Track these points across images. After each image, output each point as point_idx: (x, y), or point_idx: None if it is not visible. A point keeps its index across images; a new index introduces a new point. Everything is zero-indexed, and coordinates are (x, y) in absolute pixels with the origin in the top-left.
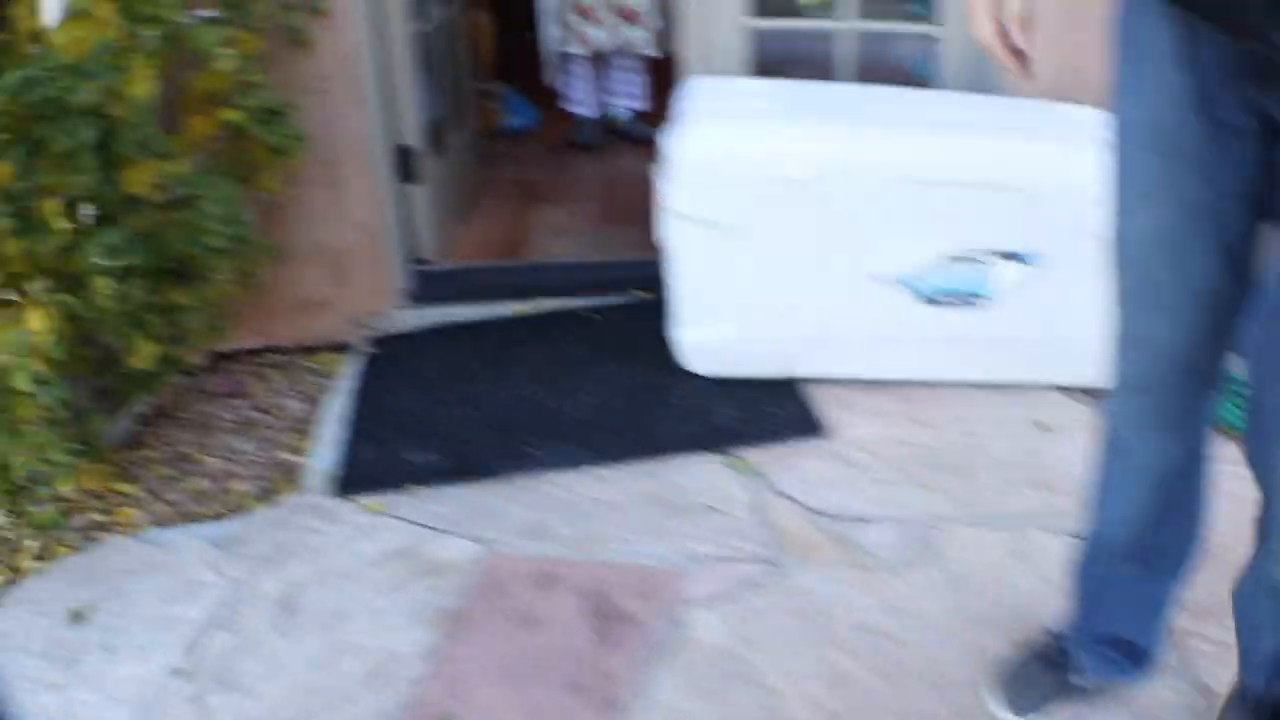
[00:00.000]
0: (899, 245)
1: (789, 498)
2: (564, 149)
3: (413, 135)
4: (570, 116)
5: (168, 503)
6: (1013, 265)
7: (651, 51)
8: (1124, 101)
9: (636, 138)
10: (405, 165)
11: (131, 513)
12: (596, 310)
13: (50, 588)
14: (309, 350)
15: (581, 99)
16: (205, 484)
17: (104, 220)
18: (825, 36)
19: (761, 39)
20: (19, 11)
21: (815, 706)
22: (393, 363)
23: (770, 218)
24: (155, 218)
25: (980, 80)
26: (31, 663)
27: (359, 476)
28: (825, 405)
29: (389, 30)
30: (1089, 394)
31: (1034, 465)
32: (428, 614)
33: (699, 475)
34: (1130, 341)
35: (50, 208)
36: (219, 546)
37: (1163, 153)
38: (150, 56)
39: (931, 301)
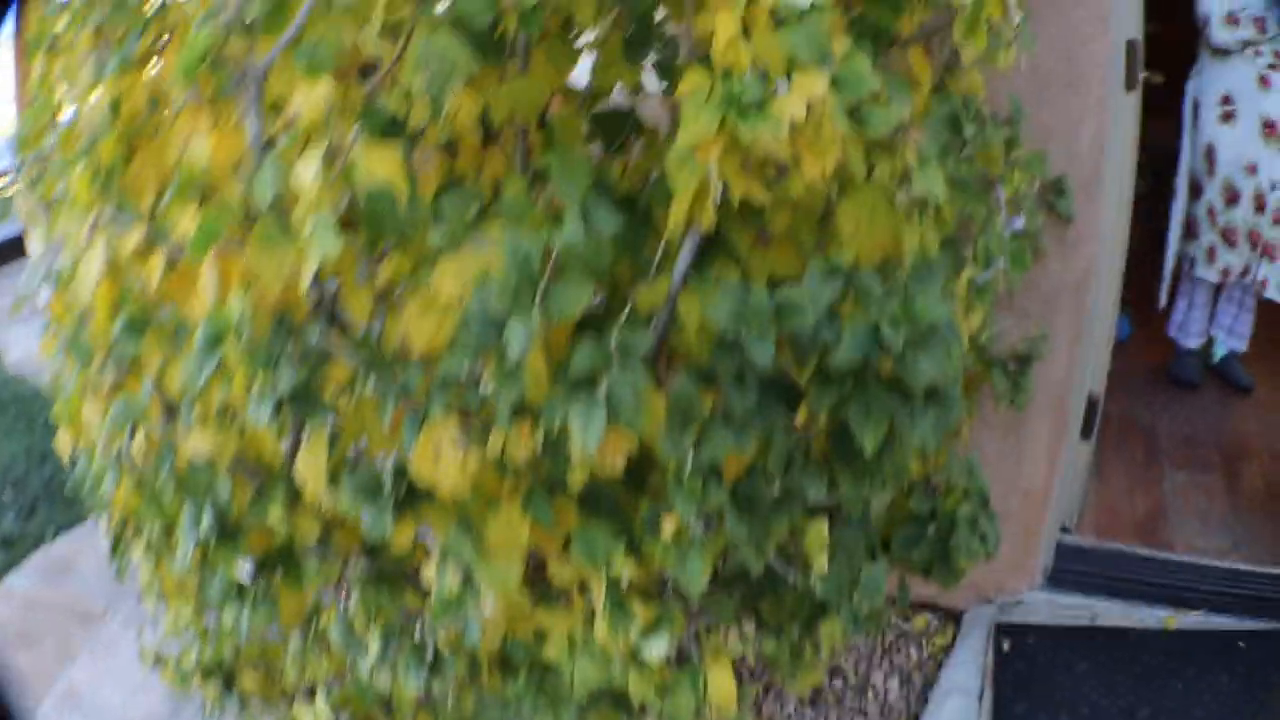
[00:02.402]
0: None
1: None
2: (1164, 381)
3: (1100, 381)
4: (1166, 340)
5: None
6: None
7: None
8: None
9: (1232, 381)
10: (1089, 418)
11: None
12: (1243, 636)
13: None
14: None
15: (1193, 329)
16: None
17: None
18: None
19: None
20: None
21: None
22: (1031, 672)
23: None
24: None
25: None
26: None
27: None
28: None
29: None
30: None
31: None
32: None
33: None
34: None
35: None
36: None
37: None
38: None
39: None
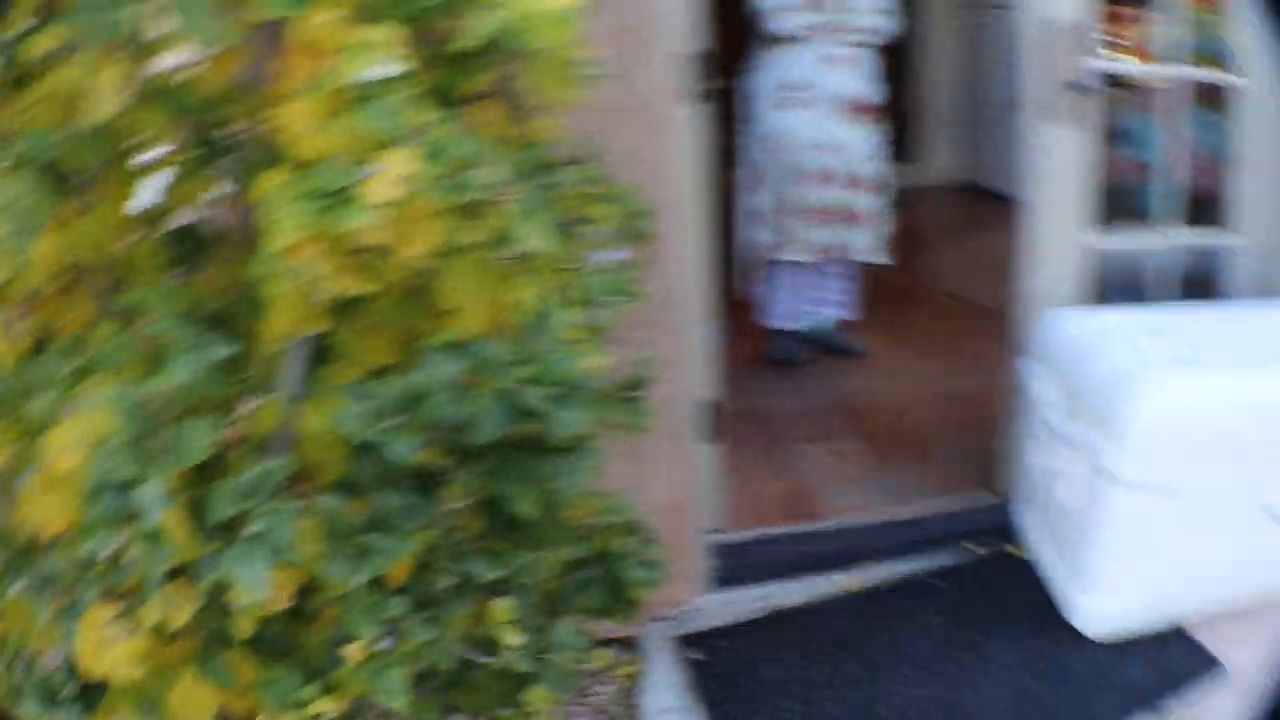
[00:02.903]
0: None
1: None
2: (764, 367)
3: (710, 385)
4: (760, 330)
5: None
6: None
7: (877, 258)
8: None
9: (839, 349)
10: (707, 422)
11: None
12: (934, 574)
13: None
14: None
15: (784, 311)
16: None
17: None
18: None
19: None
20: None
21: None
22: (731, 672)
23: (1202, 474)
24: None
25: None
26: None
27: None
28: (1210, 643)
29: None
30: None
31: None
32: None
33: None
34: None
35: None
36: None
37: None
38: None
39: None
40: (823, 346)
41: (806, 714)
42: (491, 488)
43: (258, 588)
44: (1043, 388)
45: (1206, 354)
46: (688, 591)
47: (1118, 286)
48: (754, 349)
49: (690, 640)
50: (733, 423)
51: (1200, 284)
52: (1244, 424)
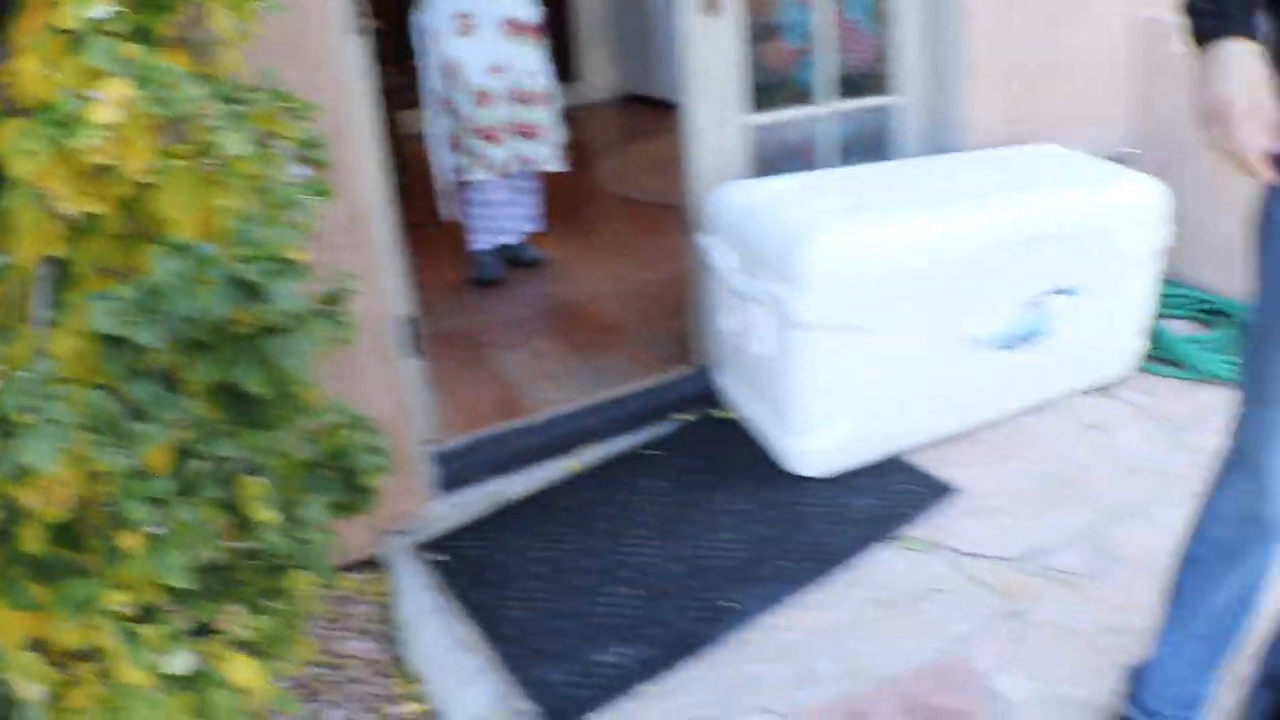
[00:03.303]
0: (985, 308)
1: (972, 555)
2: (466, 288)
3: (408, 302)
4: (461, 252)
5: None
6: (1063, 299)
7: (556, 166)
8: None
9: (528, 261)
10: (410, 337)
11: None
12: (650, 446)
13: None
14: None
15: (481, 231)
16: None
17: None
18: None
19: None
20: None
21: None
22: (473, 565)
23: (884, 312)
24: None
25: (934, 139)
26: None
27: (566, 700)
28: (933, 468)
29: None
30: (1105, 389)
31: (1110, 459)
32: None
33: (890, 567)
34: None
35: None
36: None
37: None
38: None
39: (1005, 349)
40: (514, 260)
41: (553, 589)
42: (227, 374)
43: (48, 463)
44: (723, 256)
45: (873, 202)
46: (418, 501)
47: (788, 159)
48: (455, 272)
49: (430, 546)
50: (438, 340)
51: (873, 148)
52: (917, 261)
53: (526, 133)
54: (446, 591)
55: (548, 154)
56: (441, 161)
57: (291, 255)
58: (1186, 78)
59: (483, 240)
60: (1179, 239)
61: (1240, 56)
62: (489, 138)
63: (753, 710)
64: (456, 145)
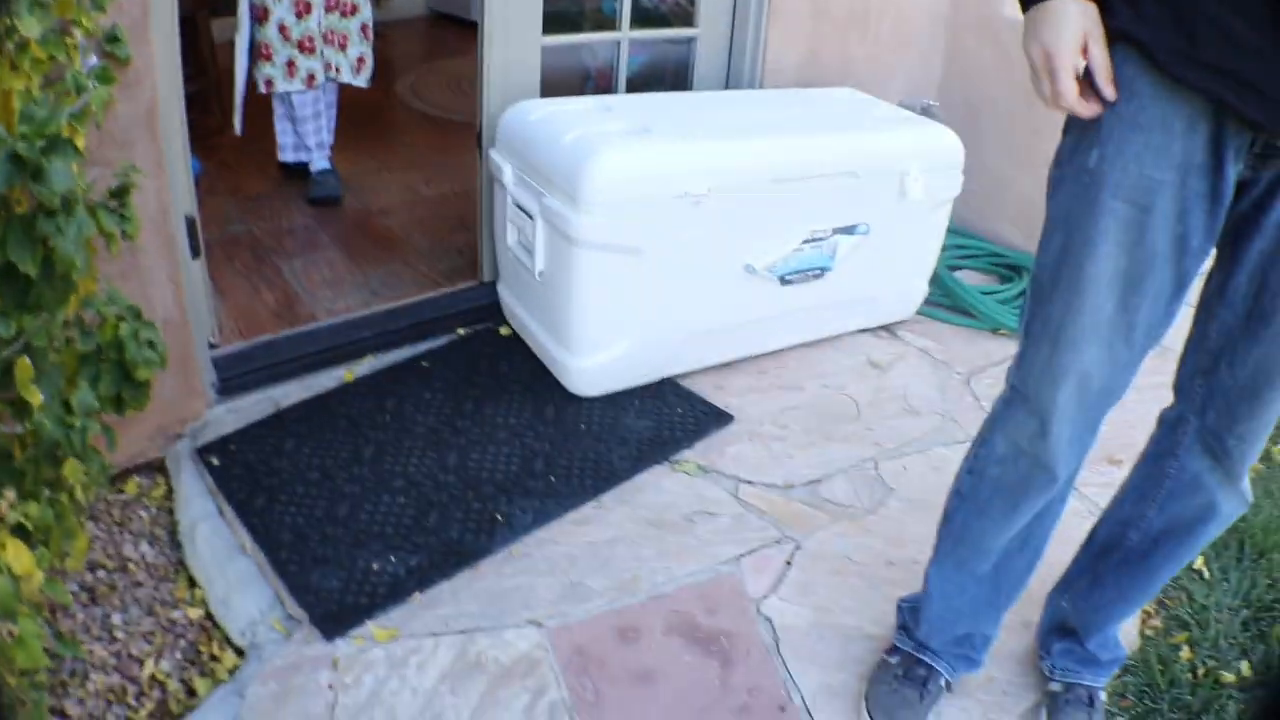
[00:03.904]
0: (767, 240)
1: (749, 482)
2: (252, 200)
3: (192, 203)
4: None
5: None
6: (848, 238)
7: (358, 80)
8: (1105, 153)
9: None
10: (193, 238)
11: None
12: (428, 357)
13: None
14: (113, 480)
15: (290, 144)
16: (110, 681)
17: None
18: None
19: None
20: None
21: None
22: (250, 470)
23: (665, 235)
24: None
25: (733, 76)
26: None
27: (336, 607)
28: (711, 395)
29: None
30: (888, 330)
31: (892, 398)
32: (547, 717)
33: (664, 489)
34: (1063, 371)
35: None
36: None
37: (1143, 207)
38: None
39: (786, 281)
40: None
41: (326, 495)
42: (2, 253)
43: None
44: (510, 172)
45: (661, 127)
46: (197, 406)
47: (586, 84)
48: (243, 180)
49: (208, 450)
50: (223, 245)
51: (673, 80)
52: (699, 186)
53: (334, 43)
54: (223, 497)
55: (352, 67)
56: (242, 72)
57: (71, 137)
58: (992, 34)
59: (291, 154)
60: (979, 195)
61: (1069, 10)
62: (304, 48)
63: (522, 622)
64: (269, 56)
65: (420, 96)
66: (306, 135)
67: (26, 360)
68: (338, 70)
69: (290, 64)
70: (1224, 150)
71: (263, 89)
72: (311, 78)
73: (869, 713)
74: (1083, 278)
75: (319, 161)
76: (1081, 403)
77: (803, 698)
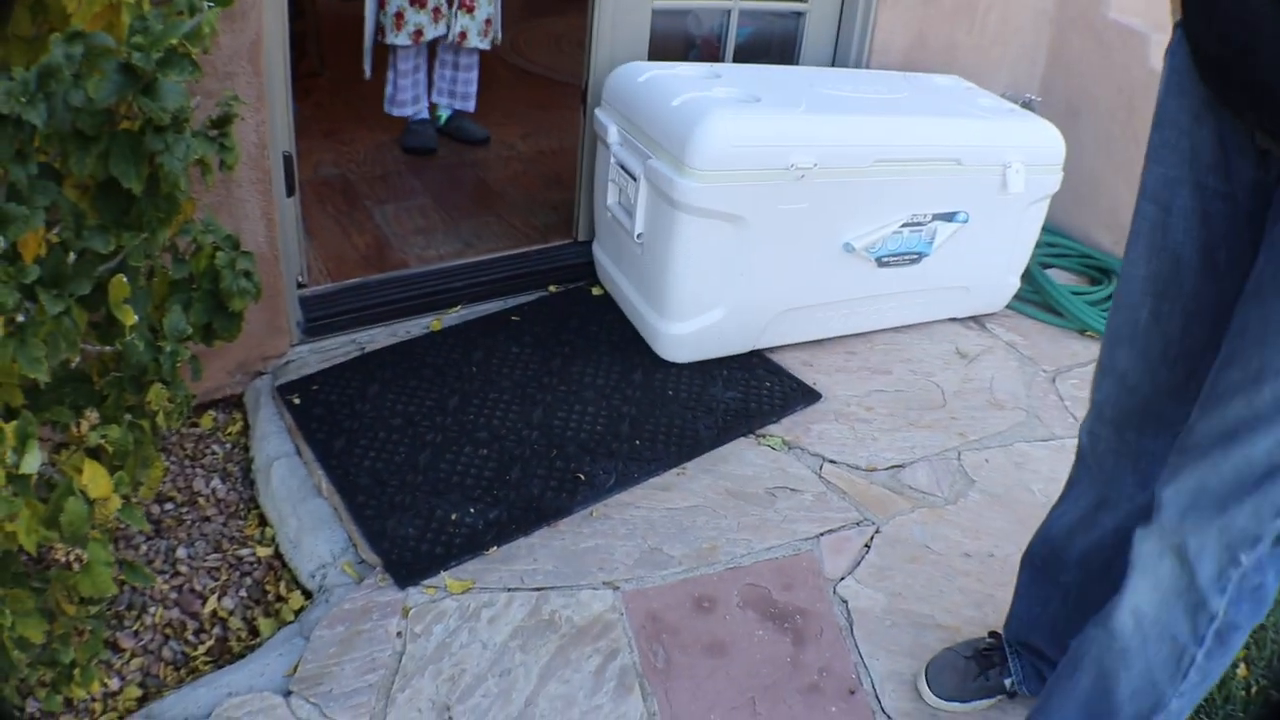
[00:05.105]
0: (867, 220)
1: (833, 462)
2: (352, 141)
3: (290, 140)
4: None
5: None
6: (947, 225)
7: (482, 44)
8: (1146, 154)
9: (466, 138)
10: (289, 175)
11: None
12: (517, 312)
13: None
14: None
15: (403, 99)
16: (169, 615)
17: None
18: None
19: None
20: None
21: (982, 626)
22: (332, 411)
23: (768, 206)
24: None
25: (840, 54)
26: None
27: (411, 555)
28: (800, 371)
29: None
30: (977, 321)
31: (978, 389)
32: (617, 681)
33: (748, 461)
34: (1108, 366)
35: (118, 289)
36: (301, 696)
37: (1165, 207)
38: None
39: (883, 263)
40: (448, 135)
41: (408, 442)
42: (106, 168)
43: None
44: (616, 132)
45: (768, 98)
46: (281, 344)
47: (693, 51)
48: (342, 126)
49: (289, 389)
50: (316, 187)
51: (780, 53)
52: (805, 160)
53: (465, 5)
54: (301, 437)
55: (478, 29)
56: (371, 17)
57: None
58: (1096, 34)
59: (398, 108)
60: (1072, 195)
61: None
62: (415, 1)
63: (598, 584)
64: (383, 5)
65: (520, 53)
66: (404, 89)
67: (123, 278)
68: (464, 35)
69: (399, 15)
70: (1228, 145)
71: (377, 37)
72: (419, 33)
73: (927, 666)
74: (1125, 279)
75: (443, 111)
76: (1119, 406)
77: (873, 683)
